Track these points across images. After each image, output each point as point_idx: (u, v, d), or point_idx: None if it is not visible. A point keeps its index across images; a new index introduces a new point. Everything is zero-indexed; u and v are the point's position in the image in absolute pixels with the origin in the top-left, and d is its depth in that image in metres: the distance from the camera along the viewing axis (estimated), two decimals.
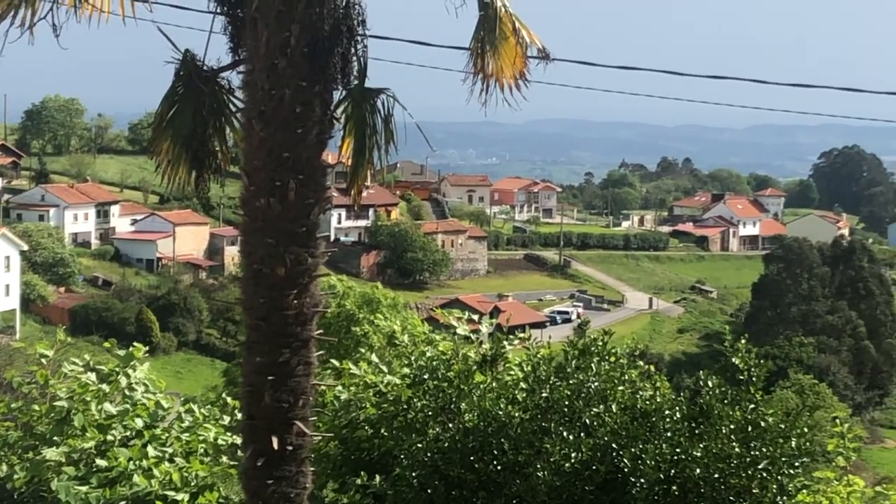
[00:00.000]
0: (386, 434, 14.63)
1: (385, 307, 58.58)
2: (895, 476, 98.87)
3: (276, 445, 11.17)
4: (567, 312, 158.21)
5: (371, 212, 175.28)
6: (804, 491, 11.93)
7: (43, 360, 14.82)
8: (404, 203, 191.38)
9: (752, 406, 13.07)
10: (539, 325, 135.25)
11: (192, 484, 13.93)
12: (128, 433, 14.37)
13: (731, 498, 12.39)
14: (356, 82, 11.81)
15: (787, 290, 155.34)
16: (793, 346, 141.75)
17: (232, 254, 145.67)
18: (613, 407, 13.50)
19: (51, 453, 13.84)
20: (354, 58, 11.62)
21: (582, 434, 13.16)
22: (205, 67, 11.93)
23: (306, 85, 11.02)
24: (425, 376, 14.45)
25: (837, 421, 12.06)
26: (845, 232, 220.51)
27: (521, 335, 16.89)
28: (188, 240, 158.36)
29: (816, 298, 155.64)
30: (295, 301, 11.17)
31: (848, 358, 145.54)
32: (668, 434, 12.99)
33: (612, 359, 14.28)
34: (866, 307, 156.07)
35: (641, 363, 15.42)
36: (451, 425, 13.89)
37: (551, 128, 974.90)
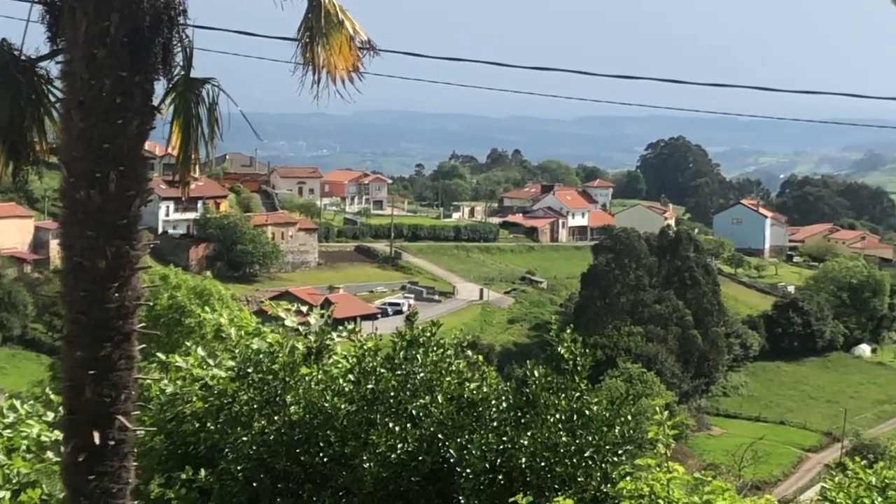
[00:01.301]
0: (212, 428, 14.48)
1: (215, 299, 58.19)
2: (720, 463, 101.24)
3: (97, 441, 10.95)
4: (398, 304, 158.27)
5: (200, 204, 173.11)
6: (627, 478, 12.09)
7: None
8: (233, 195, 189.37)
9: (578, 395, 13.22)
10: (371, 317, 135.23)
11: (14, 481, 13.66)
12: None
13: (556, 486, 12.52)
14: (182, 72, 11.66)
15: (616, 280, 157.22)
16: (621, 335, 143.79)
17: (57, 247, 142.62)
18: (440, 397, 13.56)
19: None
20: (178, 48, 11.47)
21: (408, 425, 13.19)
22: (22, 57, 11.65)
23: (126, 75, 10.82)
24: (249, 369, 14.38)
25: (657, 409, 12.22)
26: (672, 222, 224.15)
27: (351, 327, 16.83)
28: (12, 233, 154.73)
29: (644, 288, 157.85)
30: (116, 294, 10.97)
31: (675, 346, 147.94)
32: (495, 424, 13.08)
33: (440, 350, 14.34)
34: (693, 296, 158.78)
35: (470, 353, 15.50)
36: (276, 418, 13.83)
37: (381, 119, 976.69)
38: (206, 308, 30.00)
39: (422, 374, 13.82)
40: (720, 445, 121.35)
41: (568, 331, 13.77)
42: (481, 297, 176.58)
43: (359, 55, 11.98)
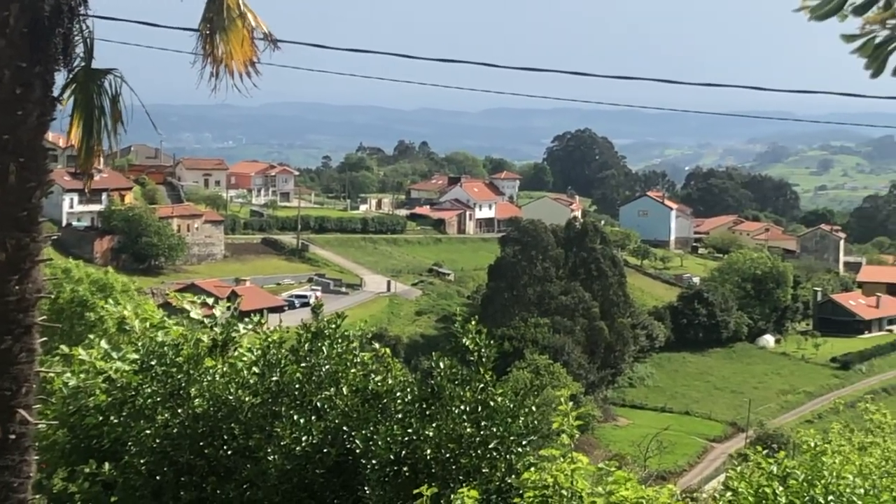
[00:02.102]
0: (115, 421, 14.38)
1: (118, 292, 57.49)
2: (626, 453, 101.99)
3: None
4: (305, 296, 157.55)
5: (104, 196, 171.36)
6: (532, 469, 12.14)
7: None
8: (138, 187, 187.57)
9: (482, 386, 13.27)
10: (277, 310, 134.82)
11: None
12: None
13: (461, 477, 12.56)
14: (82, 63, 11.58)
15: (523, 272, 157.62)
16: (528, 326, 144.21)
17: None
18: (345, 389, 13.58)
19: None
20: (79, 38, 11.38)
21: (313, 417, 13.19)
22: None
23: (26, 66, 10.73)
24: (153, 362, 14.29)
25: (562, 399, 12.29)
26: (578, 214, 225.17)
27: (257, 319, 16.78)
28: None
29: (551, 280, 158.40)
30: (17, 287, 10.88)
31: (582, 338, 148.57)
32: (400, 415, 13.11)
33: (345, 342, 14.35)
34: (599, 288, 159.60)
35: (376, 345, 15.52)
36: (180, 411, 13.76)
37: (288, 111, 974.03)
38: (110, 301, 29.63)
39: (327, 367, 13.81)
40: (626, 436, 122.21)
41: (473, 322, 13.82)
42: (389, 289, 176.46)
43: (258, 48, 11.97)
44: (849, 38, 2.60)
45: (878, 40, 2.49)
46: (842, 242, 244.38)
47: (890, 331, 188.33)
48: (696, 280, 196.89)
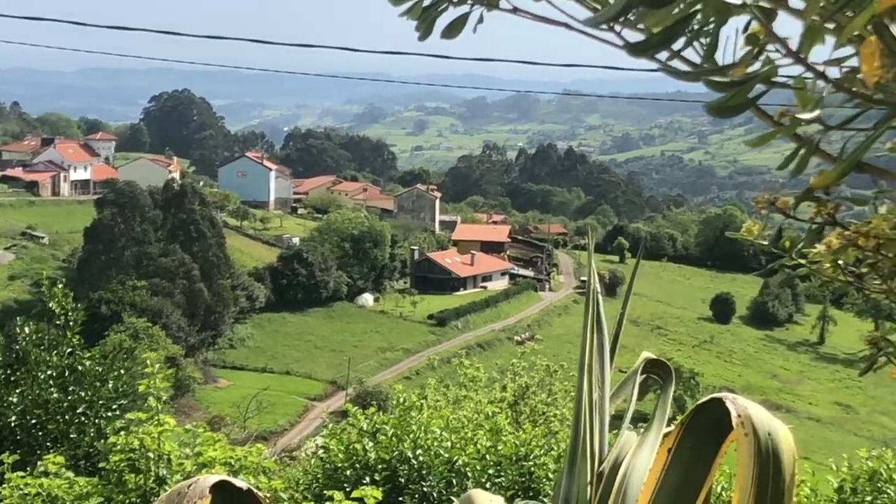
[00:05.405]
0: None
1: None
2: (226, 415, 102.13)
3: None
4: None
5: None
6: (122, 433, 12.00)
7: None
8: None
9: (70, 350, 13.03)
10: None
11: None
12: None
13: (49, 444, 12.31)
14: None
15: (121, 234, 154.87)
16: (126, 289, 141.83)
17: None
18: None
19: None
20: None
21: None
22: None
23: None
24: None
25: (148, 362, 12.17)
26: (177, 175, 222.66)
27: None
28: None
29: (150, 242, 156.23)
30: None
31: (182, 300, 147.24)
32: None
33: None
34: (199, 249, 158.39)
35: None
36: None
37: None
38: None
39: None
40: (227, 397, 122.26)
41: (59, 286, 13.53)
42: None
43: None
44: (396, 0, 2.61)
45: (425, 3, 2.51)
46: (437, 202, 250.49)
47: (484, 287, 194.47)
48: (296, 240, 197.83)
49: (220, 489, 3.02)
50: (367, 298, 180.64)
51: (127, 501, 11.10)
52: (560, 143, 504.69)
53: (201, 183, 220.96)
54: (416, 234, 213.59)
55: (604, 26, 2.29)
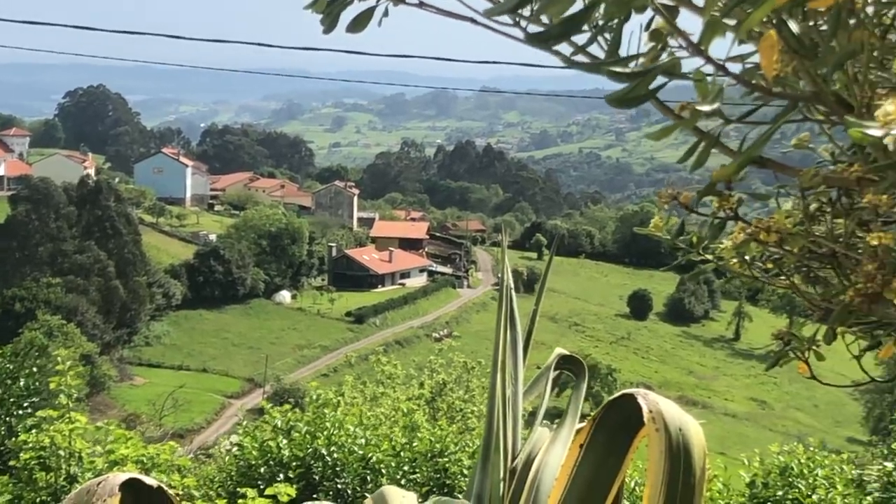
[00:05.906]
0: None
1: None
2: (142, 413, 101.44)
3: None
4: None
5: None
6: (32, 430, 11.88)
7: None
8: None
9: None
10: None
11: None
12: None
13: None
14: None
15: (35, 231, 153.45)
16: (41, 287, 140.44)
17: None
18: None
19: None
20: None
21: None
22: None
23: None
24: None
25: (59, 359, 12.05)
26: (92, 171, 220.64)
27: None
28: None
29: (65, 239, 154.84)
30: None
31: (97, 298, 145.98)
32: None
33: None
34: (115, 246, 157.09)
35: None
36: None
37: None
38: None
39: None
40: (143, 395, 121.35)
41: None
42: None
43: None
44: None
45: None
46: (356, 198, 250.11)
47: (402, 284, 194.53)
48: (213, 237, 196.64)
49: (129, 487, 3.00)
50: (285, 295, 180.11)
51: (37, 499, 11.00)
52: (478, 140, 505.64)
53: (117, 179, 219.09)
54: (334, 231, 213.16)
55: (507, 19, 2.29)
